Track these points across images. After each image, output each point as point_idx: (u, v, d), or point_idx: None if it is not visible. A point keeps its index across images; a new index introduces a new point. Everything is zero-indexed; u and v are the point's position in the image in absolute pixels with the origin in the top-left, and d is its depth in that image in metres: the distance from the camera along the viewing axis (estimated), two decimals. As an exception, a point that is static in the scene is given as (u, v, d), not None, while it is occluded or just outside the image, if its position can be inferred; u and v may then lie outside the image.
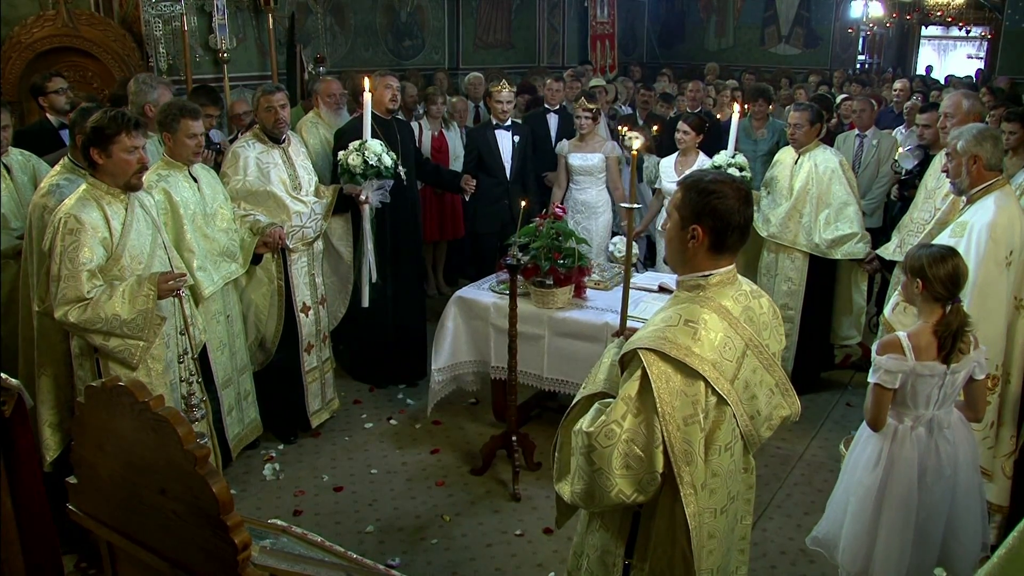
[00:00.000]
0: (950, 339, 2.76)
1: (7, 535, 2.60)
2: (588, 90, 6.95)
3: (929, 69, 16.64)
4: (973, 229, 3.38)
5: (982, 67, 16.00)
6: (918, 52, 18.33)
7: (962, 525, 2.95)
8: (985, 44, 17.14)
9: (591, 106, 5.70)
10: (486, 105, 6.57)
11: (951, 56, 18.67)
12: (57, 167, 3.69)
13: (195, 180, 4.03)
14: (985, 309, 3.30)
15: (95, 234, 3.20)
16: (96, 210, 3.23)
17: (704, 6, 15.65)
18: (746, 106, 6.62)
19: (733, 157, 5.13)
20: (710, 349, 1.99)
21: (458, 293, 4.67)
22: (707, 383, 1.98)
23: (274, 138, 4.50)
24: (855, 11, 14.88)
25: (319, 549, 2.31)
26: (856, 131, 6.31)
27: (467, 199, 5.72)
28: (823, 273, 5.12)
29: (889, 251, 4.49)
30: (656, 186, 5.83)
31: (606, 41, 12.76)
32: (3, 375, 2.72)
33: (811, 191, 4.95)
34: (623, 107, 8.73)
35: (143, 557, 1.96)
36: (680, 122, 5.61)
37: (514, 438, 4.22)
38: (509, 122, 5.87)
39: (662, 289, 4.59)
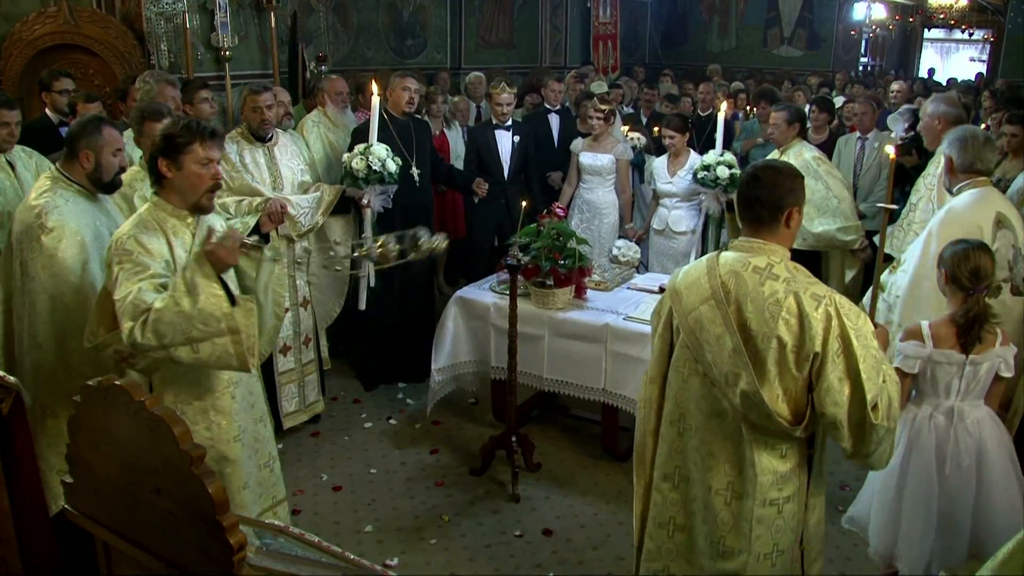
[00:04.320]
0: (967, 327, 2.91)
1: (4, 533, 2.59)
2: (593, 91, 6.93)
3: (931, 72, 16.61)
4: (936, 217, 3.51)
5: (983, 70, 15.99)
6: (921, 54, 18.31)
7: (995, 520, 2.93)
8: (987, 47, 17.12)
9: (603, 107, 5.67)
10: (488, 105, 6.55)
11: (954, 59, 18.65)
12: (43, 180, 3.35)
13: None
14: (917, 294, 3.47)
15: (158, 258, 2.82)
16: (158, 235, 2.85)
17: (707, 7, 15.65)
18: (749, 108, 6.62)
19: (722, 155, 5.12)
20: (683, 283, 2.55)
21: (458, 293, 4.67)
22: (670, 306, 2.59)
23: (259, 137, 4.50)
24: (858, 13, 14.87)
25: (316, 550, 2.29)
26: (857, 134, 6.29)
27: (476, 201, 5.71)
28: (808, 268, 5.12)
29: (887, 246, 4.51)
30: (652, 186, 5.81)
31: (608, 42, 12.74)
32: (1, 372, 2.71)
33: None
34: (625, 107, 8.72)
35: (138, 557, 1.95)
36: (664, 128, 5.58)
37: (514, 439, 4.21)
38: (509, 122, 5.86)
39: (663, 291, 4.57)
